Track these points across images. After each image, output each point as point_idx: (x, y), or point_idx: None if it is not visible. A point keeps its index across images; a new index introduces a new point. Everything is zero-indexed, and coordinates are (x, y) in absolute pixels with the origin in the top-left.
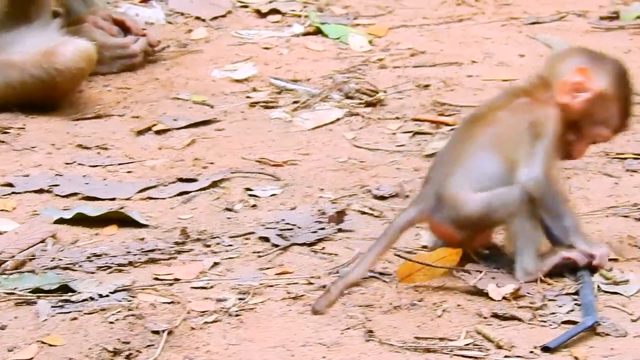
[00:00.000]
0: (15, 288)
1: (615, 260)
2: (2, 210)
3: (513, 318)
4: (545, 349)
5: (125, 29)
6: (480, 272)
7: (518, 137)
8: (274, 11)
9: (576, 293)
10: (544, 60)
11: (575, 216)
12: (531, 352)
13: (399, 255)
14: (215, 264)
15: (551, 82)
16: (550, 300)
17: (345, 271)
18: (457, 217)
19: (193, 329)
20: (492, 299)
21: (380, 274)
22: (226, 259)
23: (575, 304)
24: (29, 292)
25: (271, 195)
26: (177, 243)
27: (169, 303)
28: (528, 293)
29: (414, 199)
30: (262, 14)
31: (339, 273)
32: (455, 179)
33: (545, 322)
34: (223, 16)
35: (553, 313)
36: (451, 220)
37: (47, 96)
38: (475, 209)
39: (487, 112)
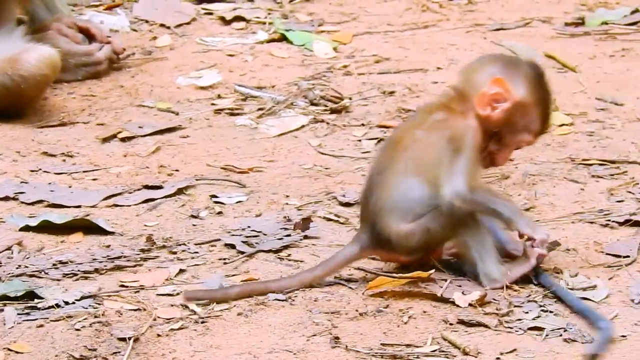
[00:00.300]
0: None
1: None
2: None
3: (479, 324)
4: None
5: (90, 37)
6: (446, 280)
7: (439, 155)
8: (239, 18)
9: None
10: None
11: (511, 204)
12: (497, 358)
13: (362, 269)
14: (181, 270)
15: (468, 94)
16: (516, 306)
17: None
18: (401, 248)
19: (159, 335)
20: (458, 306)
21: (347, 280)
22: (192, 265)
23: (542, 310)
24: None
25: (237, 202)
26: (142, 250)
27: (135, 310)
28: (494, 299)
29: (355, 237)
30: (226, 21)
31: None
32: (387, 214)
33: (511, 328)
34: (187, 23)
35: (519, 319)
36: (396, 251)
37: (12, 103)
38: (415, 239)
39: (404, 134)
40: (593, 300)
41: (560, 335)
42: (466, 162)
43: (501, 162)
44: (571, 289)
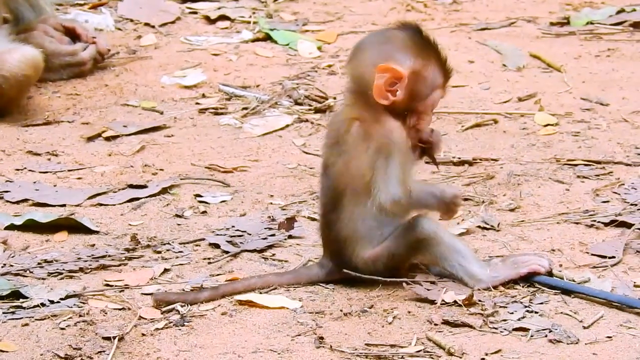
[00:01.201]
0: None
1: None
2: None
3: (464, 325)
4: None
5: (75, 36)
6: (433, 282)
7: (374, 168)
8: (223, 17)
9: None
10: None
11: (455, 193)
12: (482, 358)
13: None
14: (166, 270)
15: (366, 93)
16: (501, 307)
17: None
18: (371, 273)
19: (144, 335)
20: (442, 306)
21: (329, 281)
22: (176, 265)
23: (527, 311)
24: None
25: (221, 202)
26: (127, 249)
27: (119, 309)
28: (480, 300)
29: (320, 261)
30: (211, 21)
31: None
32: (350, 243)
33: (496, 329)
34: (172, 22)
35: (504, 320)
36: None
37: None
38: (382, 263)
39: (334, 158)
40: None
41: (546, 336)
42: (397, 165)
43: (425, 129)
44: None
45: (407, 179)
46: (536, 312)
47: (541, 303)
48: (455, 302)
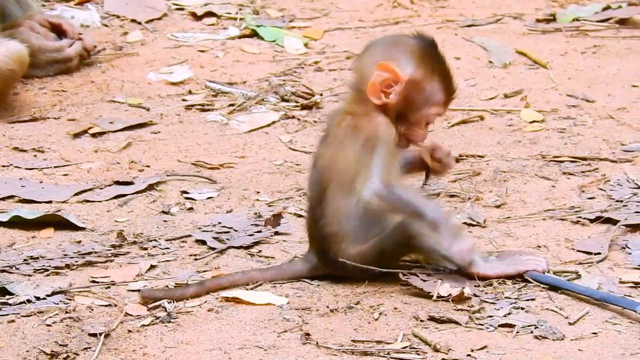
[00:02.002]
0: None
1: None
2: None
3: (450, 321)
4: None
5: (61, 33)
6: (429, 274)
7: (359, 162)
8: (210, 14)
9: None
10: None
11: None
12: (468, 355)
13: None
14: (152, 266)
15: (362, 89)
16: (486, 303)
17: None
18: (355, 270)
19: (130, 331)
20: (429, 302)
21: (316, 279)
22: (163, 261)
23: (513, 307)
24: None
25: (207, 198)
26: (113, 246)
27: (106, 306)
28: (474, 295)
29: (305, 256)
30: (197, 17)
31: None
32: (336, 240)
33: (482, 325)
34: (159, 19)
35: (490, 316)
36: (349, 272)
37: None
38: (369, 261)
39: (324, 151)
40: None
41: (531, 332)
42: (380, 160)
43: (418, 140)
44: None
45: (390, 176)
46: (522, 309)
47: (527, 300)
48: (440, 296)
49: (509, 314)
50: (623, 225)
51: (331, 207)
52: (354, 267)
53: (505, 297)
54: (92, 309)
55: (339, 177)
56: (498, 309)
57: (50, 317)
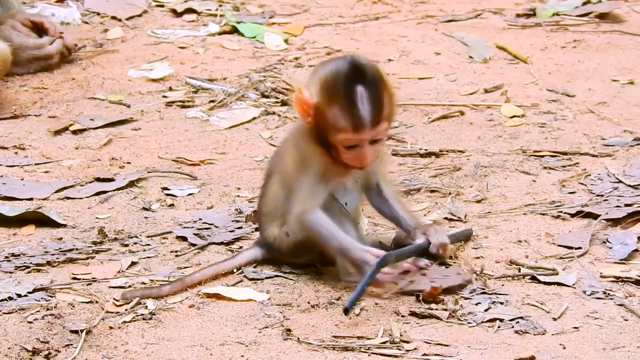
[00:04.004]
0: None
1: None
2: None
3: (431, 316)
4: (345, 311)
5: (43, 31)
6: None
7: (292, 173)
8: (190, 10)
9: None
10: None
11: (346, 238)
12: (449, 350)
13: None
14: (133, 263)
15: None
16: (466, 298)
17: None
18: (280, 251)
19: (111, 328)
20: (410, 298)
21: (297, 274)
22: (144, 258)
23: (492, 302)
24: None
25: (188, 195)
26: (94, 243)
27: (87, 302)
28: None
29: (255, 241)
30: (177, 14)
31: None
32: (264, 221)
33: (463, 320)
34: (139, 15)
35: (470, 312)
36: (280, 254)
37: None
38: (285, 243)
39: (280, 146)
40: (567, 285)
41: (512, 327)
42: (306, 185)
43: (351, 164)
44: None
45: (314, 199)
46: (502, 303)
47: (507, 294)
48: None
49: (489, 309)
50: (604, 219)
51: (269, 192)
52: (273, 249)
53: (483, 292)
54: (73, 306)
55: (281, 173)
56: (478, 304)
57: (32, 314)
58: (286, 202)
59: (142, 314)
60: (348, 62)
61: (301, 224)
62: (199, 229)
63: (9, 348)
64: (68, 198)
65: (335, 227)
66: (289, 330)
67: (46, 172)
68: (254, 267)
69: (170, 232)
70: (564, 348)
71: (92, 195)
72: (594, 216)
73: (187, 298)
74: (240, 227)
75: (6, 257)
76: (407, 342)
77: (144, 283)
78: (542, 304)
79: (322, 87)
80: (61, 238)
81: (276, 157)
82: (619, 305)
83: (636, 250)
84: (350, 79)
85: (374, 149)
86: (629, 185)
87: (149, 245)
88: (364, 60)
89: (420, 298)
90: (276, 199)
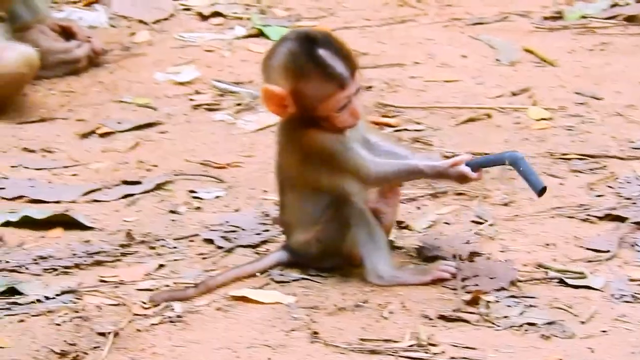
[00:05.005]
0: None
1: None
2: None
3: (459, 320)
4: (542, 190)
5: (71, 35)
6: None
7: (302, 164)
8: (217, 14)
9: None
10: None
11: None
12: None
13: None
14: (160, 266)
15: None
16: (497, 302)
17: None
18: (308, 257)
19: (139, 330)
20: (438, 301)
21: (324, 277)
22: (171, 260)
23: (524, 306)
24: None
25: (215, 198)
26: (122, 245)
27: (114, 305)
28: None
29: (283, 244)
30: (204, 17)
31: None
32: (288, 228)
33: (492, 324)
34: (166, 19)
35: (500, 315)
36: (307, 259)
37: None
38: (314, 248)
39: (278, 152)
40: (595, 289)
41: (540, 330)
42: (349, 157)
43: (346, 124)
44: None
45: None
46: (531, 307)
47: (535, 297)
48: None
49: (522, 312)
50: (632, 222)
51: (286, 202)
52: (300, 255)
53: (512, 296)
54: (101, 308)
55: (286, 180)
56: (508, 307)
57: (60, 316)
58: (306, 205)
59: (169, 317)
60: (295, 38)
61: (379, 181)
62: (225, 232)
63: (37, 350)
64: (95, 201)
65: (407, 160)
66: (316, 333)
67: (74, 175)
68: (281, 270)
69: (197, 234)
70: (593, 352)
71: (119, 198)
72: (622, 219)
73: (214, 301)
74: (267, 230)
75: (34, 260)
76: (435, 345)
77: (170, 285)
78: (570, 307)
79: (287, 71)
80: (89, 241)
81: (279, 167)
82: None
83: None
84: (308, 48)
85: (359, 100)
86: None
87: (176, 248)
88: (303, 30)
89: (465, 302)
90: (294, 207)
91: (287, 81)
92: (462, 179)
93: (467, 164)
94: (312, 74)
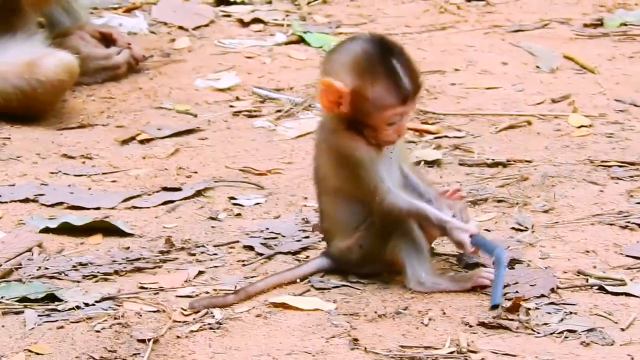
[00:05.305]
0: (2, 297)
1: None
2: None
3: (500, 327)
4: (494, 307)
5: (112, 42)
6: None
7: (337, 173)
8: (257, 20)
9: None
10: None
11: (438, 213)
12: None
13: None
14: (200, 272)
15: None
16: (537, 309)
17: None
18: (349, 263)
19: (178, 337)
20: (478, 308)
21: (363, 284)
22: (211, 267)
23: (564, 313)
24: (16, 301)
25: (255, 204)
26: (162, 252)
27: (154, 312)
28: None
29: (323, 251)
30: (244, 23)
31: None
32: (328, 234)
33: (532, 331)
34: (206, 25)
35: (541, 323)
36: (348, 265)
37: (28, 107)
38: (355, 254)
39: (315, 154)
40: (635, 295)
41: (580, 337)
42: (366, 174)
43: (389, 140)
44: (610, 284)
45: (388, 178)
46: (571, 314)
47: (575, 305)
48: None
49: (562, 319)
50: None
51: (324, 205)
52: (341, 261)
53: (552, 303)
54: (140, 315)
55: (323, 183)
56: (548, 314)
57: (99, 323)
58: (345, 212)
59: (209, 324)
60: (371, 40)
61: (388, 211)
62: (265, 239)
63: (77, 357)
64: (135, 207)
65: (421, 203)
66: (356, 339)
67: (113, 181)
68: (321, 277)
69: (237, 241)
70: (632, 359)
71: (159, 205)
72: None
73: (254, 307)
74: (307, 237)
75: (74, 267)
76: (475, 352)
77: (210, 292)
78: (610, 314)
79: (356, 70)
80: (128, 247)
81: (315, 169)
82: None
83: None
84: (383, 54)
85: (407, 120)
86: None
87: (216, 254)
88: (379, 35)
89: (505, 309)
90: (333, 213)
91: (352, 79)
92: (459, 245)
93: (471, 236)
94: (381, 79)
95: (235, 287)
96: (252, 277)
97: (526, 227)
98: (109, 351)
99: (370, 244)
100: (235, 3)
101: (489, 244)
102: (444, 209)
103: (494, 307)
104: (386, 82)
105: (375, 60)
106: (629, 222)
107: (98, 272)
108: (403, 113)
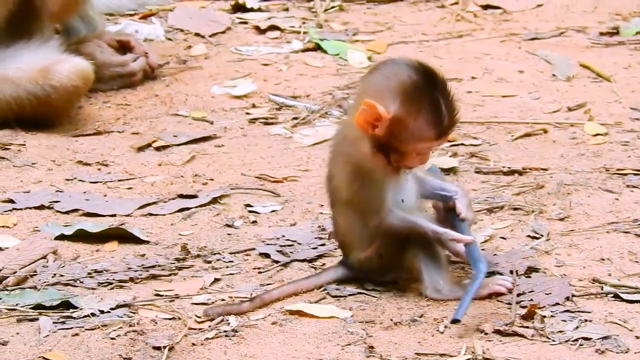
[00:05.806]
0: (17, 304)
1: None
2: (3, 226)
3: (515, 334)
4: (454, 321)
5: (128, 49)
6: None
7: (352, 186)
8: (273, 27)
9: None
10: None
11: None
12: None
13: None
14: (216, 280)
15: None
16: (552, 316)
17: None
18: (369, 273)
19: (194, 344)
20: (493, 315)
21: (379, 291)
22: (227, 275)
23: (580, 320)
24: (31, 308)
25: (271, 212)
26: (177, 259)
27: (169, 319)
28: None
29: (340, 261)
30: (261, 30)
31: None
32: (346, 245)
33: (547, 338)
34: (222, 32)
35: (556, 330)
36: (367, 275)
37: (42, 112)
38: (374, 264)
39: (329, 166)
40: None
41: (595, 345)
42: (374, 194)
43: (411, 166)
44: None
45: (391, 199)
46: (586, 321)
47: (590, 312)
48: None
49: (576, 328)
50: None
51: (339, 216)
52: (361, 271)
53: (567, 311)
54: (156, 322)
55: (336, 194)
56: (564, 321)
57: (115, 330)
58: (360, 224)
59: (224, 331)
60: (417, 69)
61: (387, 229)
62: (282, 246)
63: None
64: (151, 214)
65: (417, 219)
66: (372, 347)
67: (129, 188)
68: (337, 284)
69: (253, 248)
70: None
71: (175, 212)
72: None
73: (269, 315)
74: (323, 245)
75: (89, 274)
76: (490, 359)
77: (226, 299)
78: (625, 322)
79: (401, 99)
80: (144, 254)
81: (330, 185)
82: None
83: None
84: (430, 87)
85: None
86: None
87: (231, 262)
88: (426, 64)
89: (520, 317)
90: (348, 227)
91: (396, 106)
92: (456, 255)
93: (465, 246)
94: (425, 113)
95: (251, 294)
96: (267, 284)
97: (542, 235)
98: (124, 358)
99: (390, 253)
100: (252, 10)
101: (476, 257)
102: (467, 206)
103: (454, 321)
104: (429, 117)
105: (421, 92)
106: None
107: (113, 279)
108: (431, 147)
